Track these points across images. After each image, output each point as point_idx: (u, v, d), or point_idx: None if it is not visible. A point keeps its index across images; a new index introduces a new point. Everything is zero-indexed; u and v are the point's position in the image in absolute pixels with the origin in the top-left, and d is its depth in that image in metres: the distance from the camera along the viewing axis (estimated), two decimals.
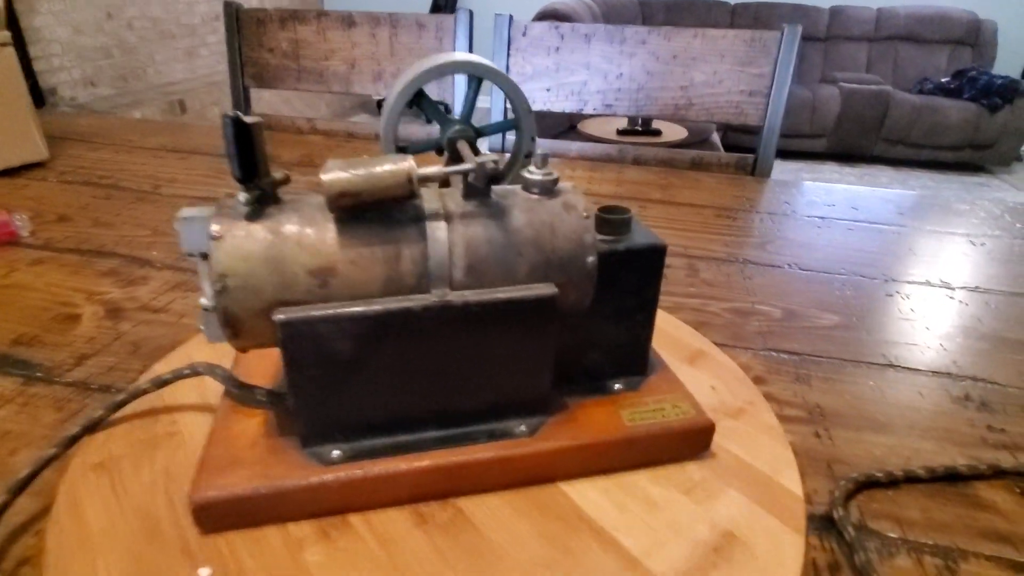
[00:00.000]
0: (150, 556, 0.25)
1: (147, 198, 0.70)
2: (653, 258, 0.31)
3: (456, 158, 0.32)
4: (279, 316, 0.25)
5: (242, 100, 1.15)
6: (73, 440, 0.31)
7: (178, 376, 0.33)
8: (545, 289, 0.27)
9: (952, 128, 3.89)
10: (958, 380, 0.43)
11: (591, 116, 2.79)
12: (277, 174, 0.26)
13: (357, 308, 0.25)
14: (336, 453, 0.28)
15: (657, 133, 2.35)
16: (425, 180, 0.25)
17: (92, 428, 0.32)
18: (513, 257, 0.27)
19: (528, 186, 0.28)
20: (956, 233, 0.70)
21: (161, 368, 0.38)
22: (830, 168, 3.98)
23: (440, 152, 0.32)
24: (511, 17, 1.00)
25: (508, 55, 1.00)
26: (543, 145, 1.04)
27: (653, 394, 0.32)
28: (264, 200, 0.26)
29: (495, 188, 0.28)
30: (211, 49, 3.96)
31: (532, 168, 0.28)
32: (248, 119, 0.24)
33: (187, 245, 0.26)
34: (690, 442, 0.31)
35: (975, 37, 4.22)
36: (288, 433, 0.29)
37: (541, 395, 0.30)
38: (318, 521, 0.27)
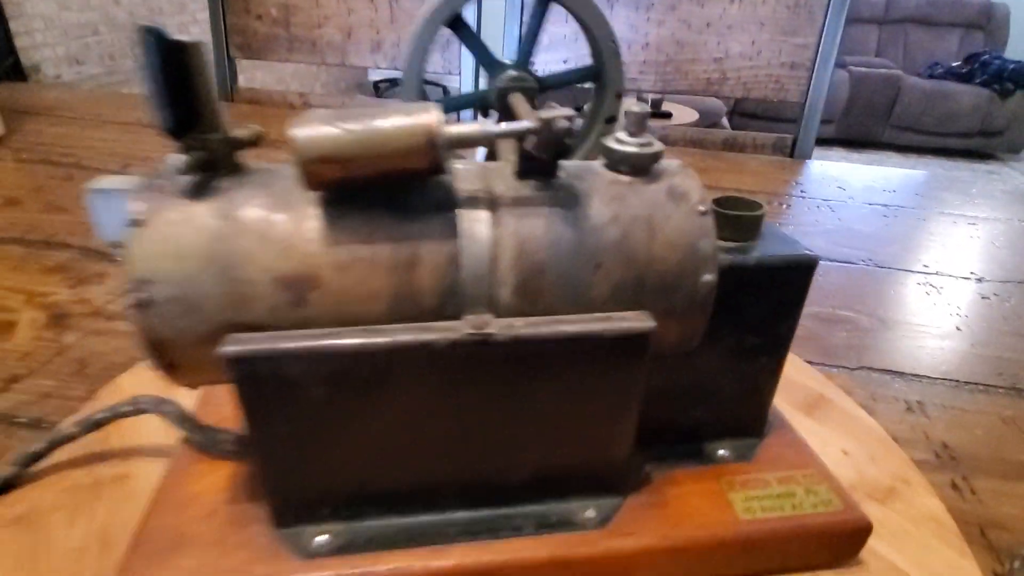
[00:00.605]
0: None
1: None
2: (796, 277, 0.22)
3: (509, 117, 0.23)
4: (229, 348, 0.15)
5: (227, 73, 1.05)
6: None
7: (116, 415, 0.24)
8: (637, 322, 0.18)
9: (963, 114, 3.81)
10: None
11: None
12: (241, 131, 0.17)
13: (348, 340, 0.16)
14: (321, 539, 0.19)
15: (668, 116, 2.25)
16: (458, 143, 0.16)
17: (5, 488, 0.23)
18: (588, 270, 0.17)
19: (615, 162, 0.19)
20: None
21: (106, 397, 0.29)
22: (838, 154, 3.89)
23: (486, 111, 0.23)
24: None
25: (522, 22, 0.90)
26: None
27: (775, 469, 0.23)
28: (213, 167, 0.16)
29: (564, 164, 0.19)
30: (202, 26, 3.82)
31: (621, 135, 0.19)
32: (183, 38, 0.15)
33: (104, 230, 0.17)
34: (832, 547, 0.22)
35: (987, 20, 4.14)
36: (262, 496, 0.20)
37: (617, 468, 0.21)
38: None
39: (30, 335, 0.37)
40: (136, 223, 0.16)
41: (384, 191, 0.17)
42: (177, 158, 0.16)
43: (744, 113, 3.64)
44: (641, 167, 0.18)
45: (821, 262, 0.50)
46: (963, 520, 0.27)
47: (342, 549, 0.19)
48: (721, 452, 0.23)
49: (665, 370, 0.20)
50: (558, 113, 0.16)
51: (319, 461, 0.19)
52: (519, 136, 0.17)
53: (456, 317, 0.17)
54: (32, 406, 0.31)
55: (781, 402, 0.29)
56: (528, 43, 0.23)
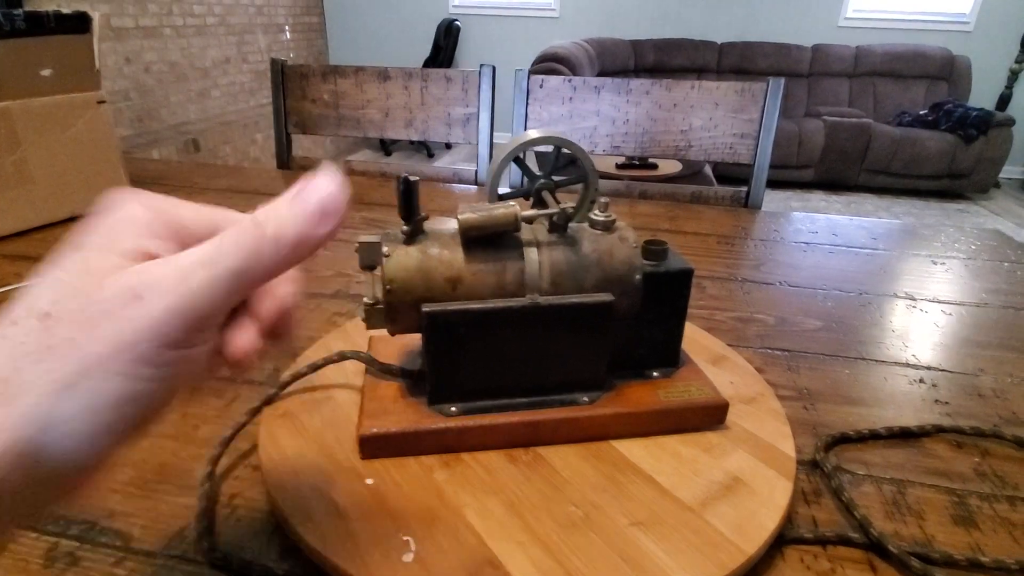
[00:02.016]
0: (331, 471, 0.37)
1: None
2: (684, 278, 0.42)
3: (541, 203, 0.44)
4: (426, 308, 0.36)
5: (285, 147, 1.28)
6: (256, 411, 0.42)
7: (328, 361, 0.44)
8: (605, 297, 0.38)
9: (931, 158, 4.07)
10: (915, 368, 0.55)
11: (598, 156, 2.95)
12: (423, 215, 0.38)
13: (475, 305, 0.37)
14: (453, 409, 0.39)
15: (654, 167, 2.51)
16: (527, 219, 0.37)
17: (269, 401, 0.43)
18: (583, 274, 0.38)
19: (594, 224, 0.40)
20: (920, 255, 0.83)
21: (313, 354, 0.49)
22: (818, 197, 4.14)
23: (527, 198, 0.44)
24: (529, 72, 1.13)
25: (527, 104, 1.14)
26: None
27: (682, 381, 0.43)
28: (416, 231, 0.37)
29: (570, 225, 0.40)
30: (222, 91, 4.14)
31: (596, 211, 0.40)
32: (412, 178, 0.36)
33: (363, 261, 0.37)
34: (709, 415, 0.42)
35: (950, 72, 4.43)
36: (417, 396, 0.40)
37: (599, 376, 0.41)
38: (440, 456, 0.38)
39: None
40: (387, 255, 0.36)
41: (492, 239, 0.38)
42: (404, 228, 0.37)
43: (728, 163, 3.92)
44: (606, 227, 0.40)
45: (747, 282, 0.71)
46: (805, 423, 0.47)
47: (464, 413, 0.39)
48: (655, 374, 0.44)
49: (624, 329, 0.41)
50: (567, 205, 0.37)
51: (457, 368, 0.39)
52: (551, 215, 0.38)
53: (523, 296, 0.38)
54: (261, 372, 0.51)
55: (698, 357, 0.49)
56: (550, 167, 0.44)
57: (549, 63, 3.34)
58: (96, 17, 0.83)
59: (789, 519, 0.37)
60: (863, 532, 0.36)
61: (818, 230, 0.91)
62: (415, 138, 1.23)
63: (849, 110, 4.34)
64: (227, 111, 4.13)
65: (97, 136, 0.86)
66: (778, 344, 0.58)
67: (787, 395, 0.50)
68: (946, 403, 0.50)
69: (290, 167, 1.27)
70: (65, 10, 0.80)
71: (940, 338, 0.61)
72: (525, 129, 1.16)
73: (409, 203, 0.36)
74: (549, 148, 0.44)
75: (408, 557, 0.32)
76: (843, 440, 0.45)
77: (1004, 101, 4.54)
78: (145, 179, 1.05)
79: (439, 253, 0.37)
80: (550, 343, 0.39)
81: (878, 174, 4.22)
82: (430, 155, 4.87)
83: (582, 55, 3.66)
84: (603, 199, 0.40)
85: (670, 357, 0.44)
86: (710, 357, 0.50)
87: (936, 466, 0.43)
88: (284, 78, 1.24)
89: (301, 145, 4.15)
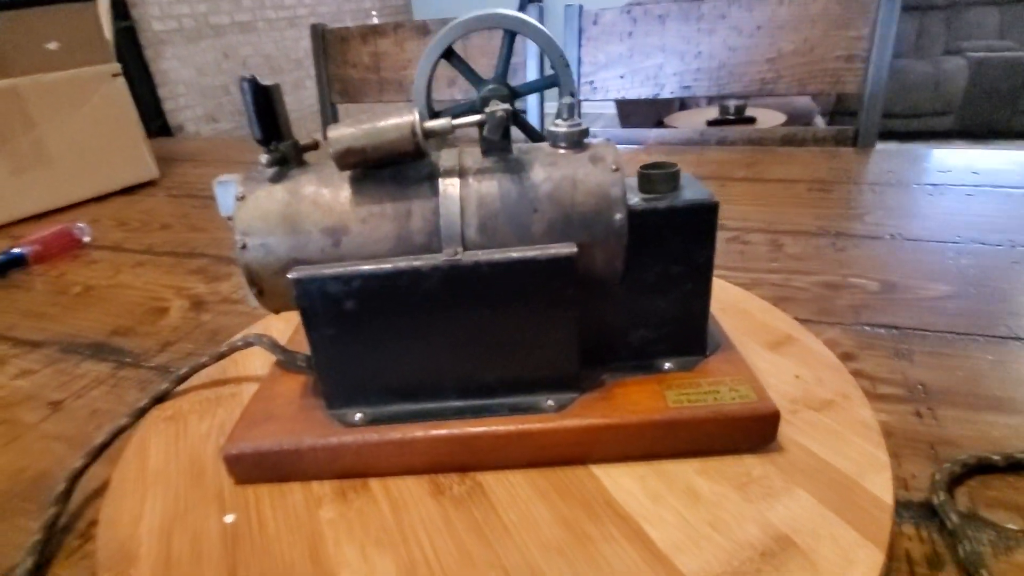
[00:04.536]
0: (190, 497, 0.27)
1: None
2: (702, 217, 0.27)
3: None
4: (292, 274, 0.24)
5: (329, 117, 1.21)
6: (143, 411, 0.33)
7: (232, 348, 0.34)
8: (563, 248, 0.25)
9: None
10: None
11: (678, 108, 2.69)
12: (306, 140, 0.26)
13: (365, 267, 0.25)
14: (358, 416, 0.27)
15: (751, 121, 2.22)
16: (430, 133, 0.24)
17: (160, 399, 0.33)
18: (528, 214, 0.25)
19: (554, 139, 0.26)
20: None
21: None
22: (959, 147, 3.58)
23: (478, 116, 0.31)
24: (581, 7, 0.98)
25: (580, 45, 0.98)
26: (621, 136, 1.00)
27: (709, 376, 0.29)
28: (284, 163, 0.26)
29: (520, 145, 0.26)
30: (315, 80, 4.26)
31: (557, 120, 0.26)
32: (265, 81, 0.24)
33: (223, 209, 0.27)
34: (747, 431, 0.27)
35: None
36: (320, 398, 0.29)
37: (570, 370, 0.27)
38: (340, 482, 0.27)
39: (178, 315, 0.49)
40: (239, 199, 0.25)
41: (390, 170, 0.25)
42: (264, 157, 0.26)
43: (846, 112, 3.47)
44: (573, 142, 0.26)
45: (843, 237, 0.53)
46: (918, 440, 0.30)
47: (371, 422, 0.27)
48: (667, 365, 0.29)
49: (611, 299, 0.27)
50: (499, 107, 0.24)
51: (354, 358, 0.27)
52: (478, 125, 0.25)
53: (438, 251, 0.25)
54: (180, 361, 0.43)
55: (747, 339, 0.34)
56: (503, 64, 0.31)
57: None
58: None
59: None
60: None
61: (951, 168, 0.69)
62: (459, 97, 1.11)
63: (1000, 43, 3.69)
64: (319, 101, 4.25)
65: (116, 112, 0.83)
66: (882, 319, 0.41)
67: (890, 394, 0.33)
68: None
69: None
70: None
71: None
72: (579, 78, 1.00)
73: (267, 118, 0.24)
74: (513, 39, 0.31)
75: None
76: (982, 469, 0.28)
77: None
78: (180, 156, 1.02)
79: (315, 193, 0.25)
80: (489, 321, 0.26)
81: None
82: None
83: None
84: (568, 100, 0.26)
85: (690, 340, 0.30)
86: (769, 339, 0.35)
87: None
88: (325, 43, 1.17)
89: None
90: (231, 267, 0.58)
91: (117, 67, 0.82)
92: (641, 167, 0.27)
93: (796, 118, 2.45)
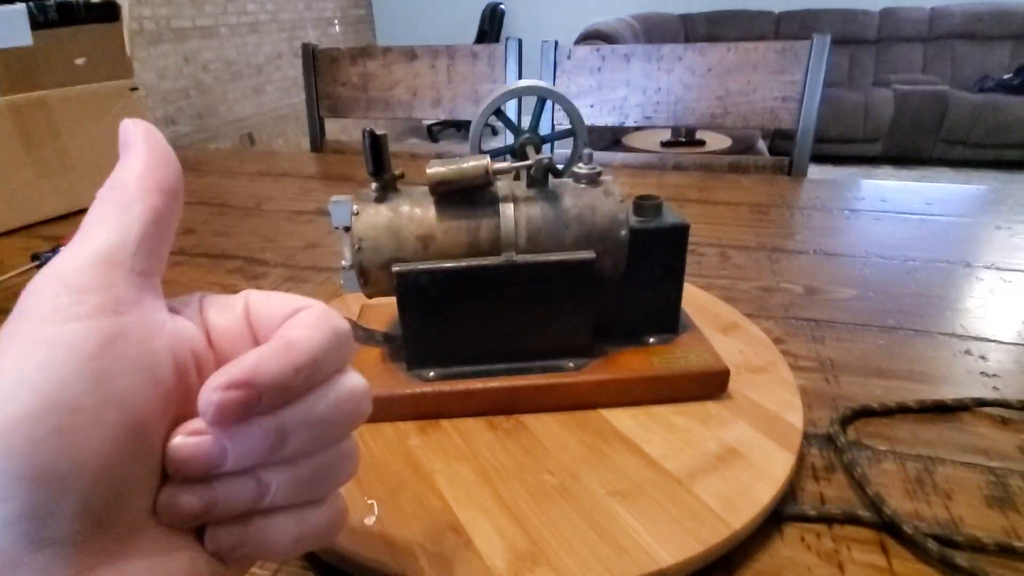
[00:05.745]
0: None
1: (253, 213, 0.83)
2: (678, 235, 0.39)
3: (524, 158, 0.42)
4: (395, 268, 0.34)
5: (318, 130, 1.29)
6: None
7: None
8: (585, 254, 0.36)
9: (1016, 126, 3.75)
10: (962, 339, 0.49)
11: (634, 129, 2.86)
12: (396, 172, 0.36)
13: (447, 264, 0.35)
14: (431, 374, 0.37)
15: (700, 143, 2.41)
16: (498, 172, 0.35)
17: None
18: (562, 230, 0.36)
19: (577, 178, 0.37)
20: (983, 220, 0.75)
21: None
22: (886, 172, 3.90)
23: (514, 155, 0.42)
24: (556, 43, 1.10)
25: (555, 77, 1.10)
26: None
27: (681, 347, 0.40)
28: (387, 189, 0.36)
29: (553, 180, 0.37)
30: (275, 86, 4.26)
31: (581, 164, 0.37)
32: (378, 132, 0.34)
33: (336, 221, 0.36)
34: (708, 383, 0.38)
35: None
36: (398, 361, 0.39)
37: (586, 341, 0.38)
38: (418, 422, 0.37)
39: None
40: (356, 214, 0.35)
41: (465, 196, 0.36)
42: (374, 185, 0.35)
43: (785, 136, 3.74)
44: (591, 180, 0.37)
45: (776, 251, 0.66)
46: (824, 396, 0.43)
47: (442, 379, 0.37)
48: (652, 340, 0.41)
49: (614, 292, 0.38)
50: (544, 156, 0.35)
51: (433, 331, 0.37)
52: (528, 168, 0.36)
53: (498, 254, 0.35)
54: None
55: (707, 325, 0.46)
56: (535, 120, 0.41)
57: (591, 41, 3.25)
58: (125, 5, 0.85)
59: (793, 496, 0.34)
60: (875, 510, 0.32)
61: (865, 196, 0.84)
62: (443, 117, 1.21)
63: (923, 77, 4.04)
64: (280, 105, 4.25)
65: None
66: (803, 314, 0.54)
67: (807, 366, 0.46)
68: (995, 376, 0.45)
69: (322, 150, 1.29)
70: None
71: (996, 307, 0.55)
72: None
73: (378, 158, 0.34)
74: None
75: (370, 520, 0.30)
76: (865, 413, 0.40)
77: None
78: (183, 165, 1.08)
79: (410, 211, 0.35)
80: (530, 305, 0.37)
81: (955, 145, 3.92)
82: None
83: (626, 31, 3.55)
84: (587, 151, 0.37)
85: (667, 322, 0.41)
86: (721, 326, 0.47)
87: (973, 443, 0.38)
88: (315, 62, 1.25)
89: (346, 131, 4.24)
90: (264, 267, 0.66)
91: (135, 82, 0.88)
92: (636, 198, 0.38)
93: (740, 140, 2.65)
